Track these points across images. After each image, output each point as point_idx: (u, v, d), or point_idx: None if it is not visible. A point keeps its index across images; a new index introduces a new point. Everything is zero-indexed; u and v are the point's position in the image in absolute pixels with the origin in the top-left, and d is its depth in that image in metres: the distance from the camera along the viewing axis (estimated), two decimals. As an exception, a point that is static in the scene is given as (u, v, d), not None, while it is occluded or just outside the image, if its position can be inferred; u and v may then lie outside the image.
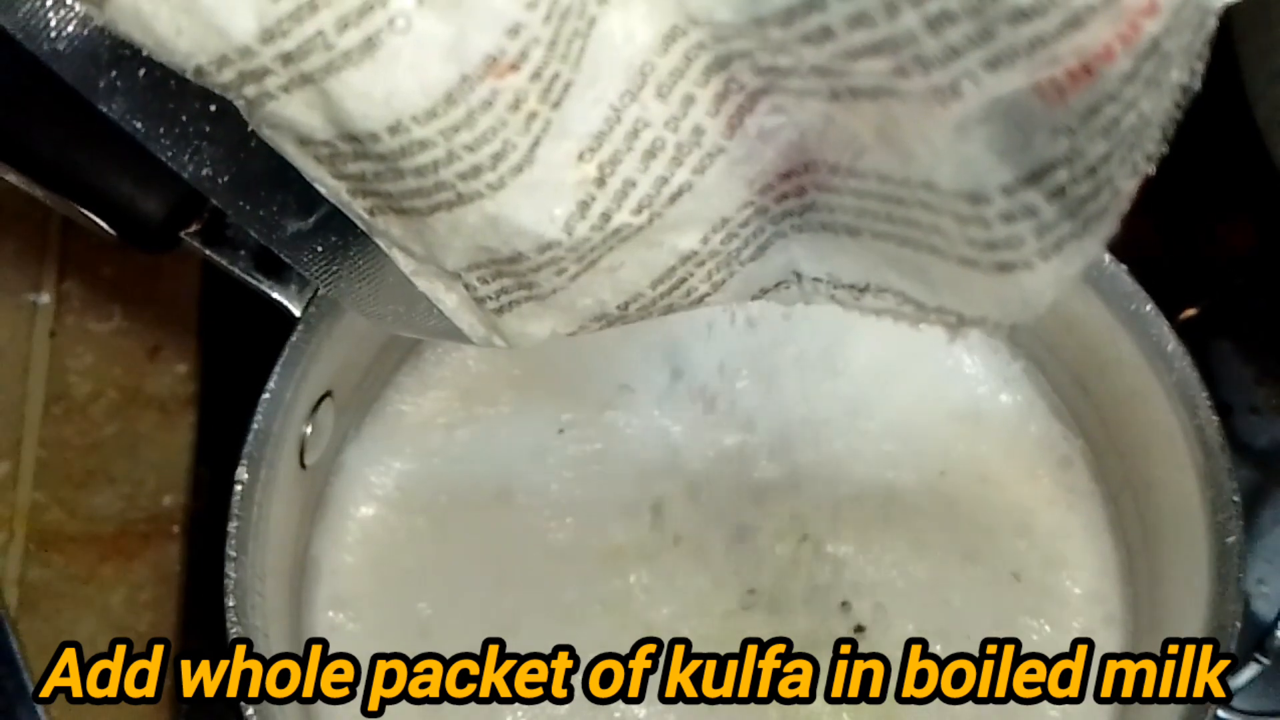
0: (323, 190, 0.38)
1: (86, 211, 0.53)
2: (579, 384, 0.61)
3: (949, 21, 0.31)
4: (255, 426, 0.52)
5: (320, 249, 0.41)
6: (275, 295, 0.54)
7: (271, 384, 0.52)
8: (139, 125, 0.37)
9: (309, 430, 0.55)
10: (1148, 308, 0.55)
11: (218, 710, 0.62)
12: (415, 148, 0.34)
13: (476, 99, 0.33)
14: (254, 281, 0.54)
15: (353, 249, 0.41)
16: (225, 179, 0.38)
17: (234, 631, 0.49)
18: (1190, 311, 0.66)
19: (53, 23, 0.35)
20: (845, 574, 0.59)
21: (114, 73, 0.36)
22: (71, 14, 0.35)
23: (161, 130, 0.37)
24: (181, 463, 0.68)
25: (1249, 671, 0.58)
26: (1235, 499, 0.53)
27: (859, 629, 0.57)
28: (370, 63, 0.32)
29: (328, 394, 0.56)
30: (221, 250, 0.54)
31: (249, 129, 0.36)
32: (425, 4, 0.32)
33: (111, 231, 0.53)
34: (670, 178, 0.37)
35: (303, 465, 0.55)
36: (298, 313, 0.54)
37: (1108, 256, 0.55)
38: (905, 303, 0.40)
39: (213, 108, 0.37)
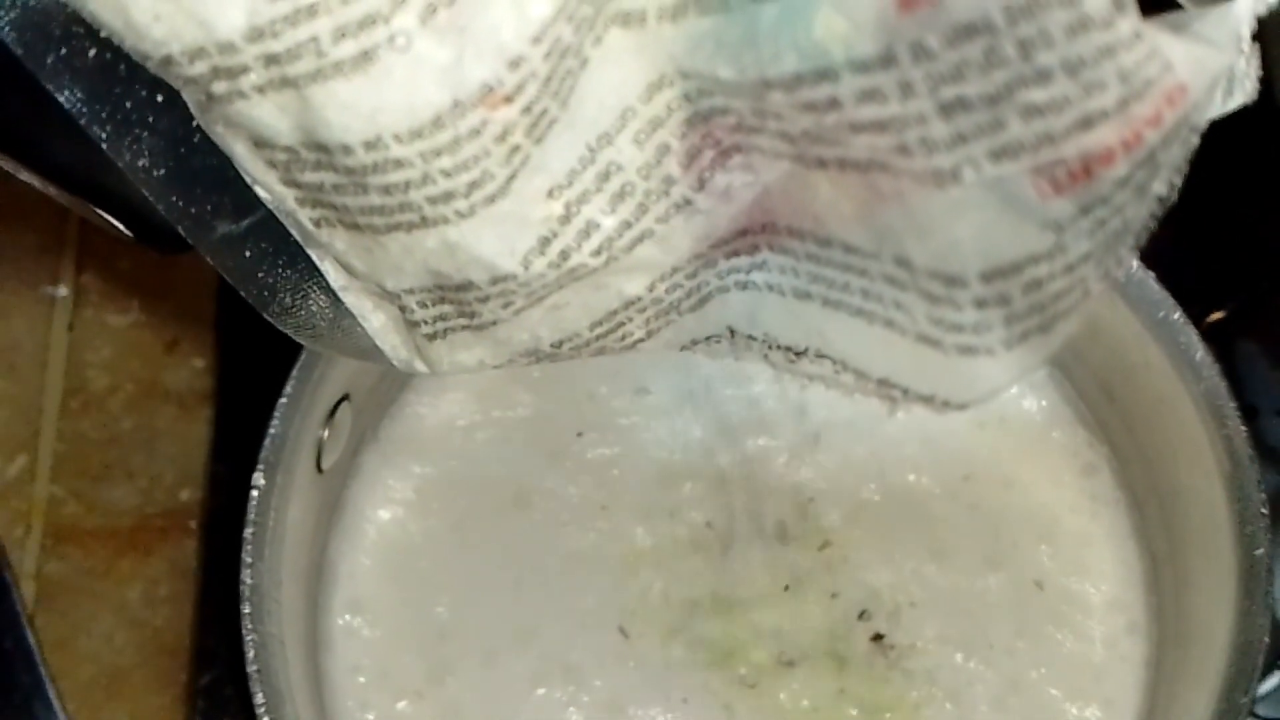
0: (264, 195, 0.37)
1: (102, 212, 0.52)
2: (597, 387, 0.61)
3: (963, 109, 0.31)
4: (272, 431, 0.52)
5: (248, 255, 0.39)
6: (290, 301, 0.54)
7: (288, 388, 0.52)
8: (80, 107, 0.35)
9: (326, 434, 0.55)
10: (1176, 315, 0.54)
11: (232, 708, 0.62)
12: (390, 166, 0.33)
13: (465, 126, 0.33)
14: None
15: (281, 258, 0.40)
16: (161, 172, 0.37)
17: (250, 638, 0.49)
18: (1217, 315, 0.65)
19: None
20: (866, 579, 0.58)
21: (64, 50, 0.34)
22: None
23: (104, 115, 0.35)
24: (199, 457, 0.68)
25: (1273, 679, 0.58)
26: (1264, 510, 0.52)
27: (878, 637, 0.57)
28: (361, 76, 0.32)
29: (345, 397, 0.55)
30: (236, 253, 0.53)
31: (194, 124, 0.35)
32: (428, 25, 0.31)
33: (128, 233, 0.53)
34: (634, 223, 0.37)
35: (319, 469, 0.55)
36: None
37: (1136, 263, 0.55)
38: (844, 371, 0.40)
39: (159, 98, 0.36)
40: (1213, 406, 0.53)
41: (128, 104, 0.36)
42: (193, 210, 0.38)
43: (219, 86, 0.33)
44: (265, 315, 0.42)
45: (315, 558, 0.57)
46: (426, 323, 0.40)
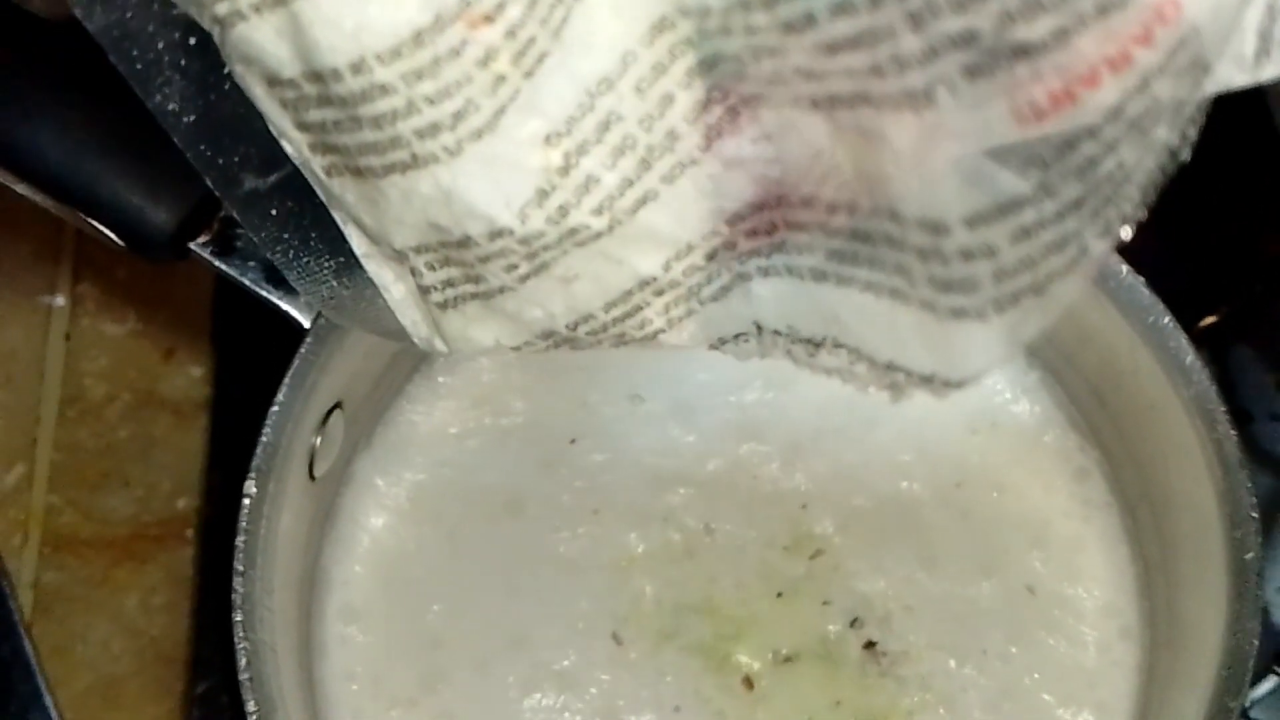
0: (286, 146, 0.37)
1: (94, 223, 0.53)
2: (590, 394, 0.61)
3: (931, 15, 0.29)
4: (264, 440, 0.52)
5: (274, 213, 0.40)
6: (285, 307, 0.54)
7: (280, 396, 0.52)
8: (114, 43, 0.36)
9: (318, 442, 0.55)
10: (1166, 320, 0.54)
11: (227, 716, 0.63)
12: (376, 92, 0.33)
13: (444, 44, 0.33)
14: (263, 293, 0.54)
15: (307, 218, 0.40)
16: (190, 118, 0.37)
17: (242, 646, 0.49)
18: (1210, 319, 0.65)
19: None
20: (858, 586, 0.58)
21: None
22: None
23: (135, 53, 0.36)
24: (196, 466, 0.68)
25: (1268, 684, 0.58)
26: (1254, 514, 0.52)
27: (870, 644, 0.57)
28: None
29: (337, 405, 0.56)
30: (231, 261, 0.54)
31: (224, 70, 0.36)
32: None
33: (120, 242, 0.53)
34: (636, 181, 0.36)
35: (312, 477, 0.55)
36: (307, 324, 0.53)
37: (1125, 267, 0.55)
38: (858, 360, 0.39)
39: (192, 40, 0.36)
40: (1203, 411, 0.53)
41: (160, 44, 0.36)
42: (220, 161, 0.39)
43: (221, 7, 0.33)
44: (291, 280, 0.42)
45: (308, 565, 0.57)
46: (436, 289, 0.39)
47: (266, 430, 0.52)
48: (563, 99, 0.34)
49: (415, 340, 0.42)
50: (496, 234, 0.36)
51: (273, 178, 0.39)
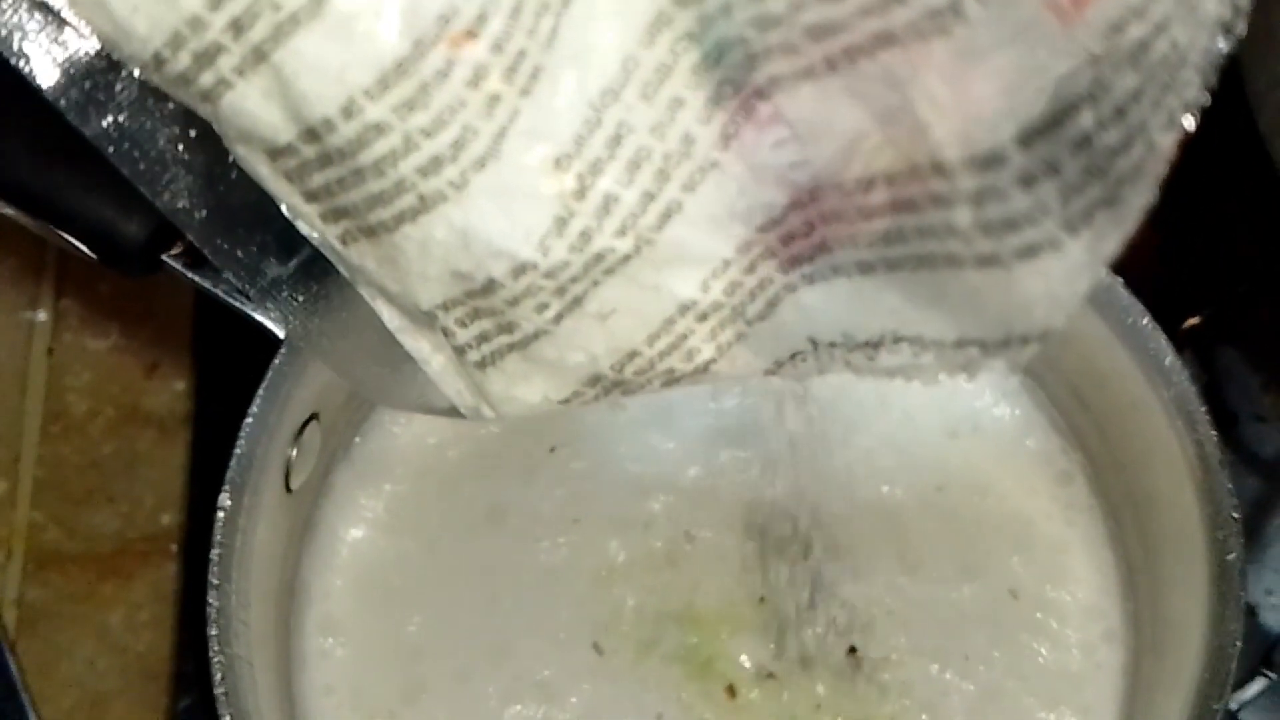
0: (301, 225, 0.36)
1: (66, 236, 0.52)
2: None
3: None
4: (238, 452, 0.52)
5: (301, 299, 0.39)
6: (259, 318, 0.53)
7: (254, 408, 0.52)
8: (114, 147, 0.35)
9: (294, 454, 0.54)
10: (1145, 321, 0.54)
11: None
12: (371, 134, 0.32)
13: (430, 68, 0.32)
14: (236, 304, 0.53)
15: (334, 299, 0.39)
16: (203, 213, 0.37)
17: (217, 660, 0.49)
18: (1193, 320, 0.65)
19: (28, 31, 0.34)
20: (840, 592, 0.58)
21: (88, 84, 0.35)
22: (45, 26, 0.34)
23: (136, 154, 0.36)
24: (179, 481, 0.68)
25: (1256, 685, 0.58)
26: (1235, 515, 0.52)
27: (852, 650, 0.57)
28: (319, 23, 0.31)
29: (314, 416, 0.55)
30: (204, 273, 0.53)
31: (229, 159, 0.35)
32: None
33: (92, 255, 0.53)
34: (658, 194, 0.34)
35: (289, 489, 0.55)
36: (282, 335, 0.53)
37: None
38: (923, 350, 0.37)
39: (192, 131, 0.36)
40: (1183, 412, 0.53)
41: (161, 141, 0.36)
42: (239, 253, 0.38)
43: (206, 79, 0.33)
44: (334, 371, 0.42)
45: (287, 578, 0.57)
46: (471, 346, 0.38)
47: (240, 443, 0.52)
48: (567, 116, 0.33)
49: (463, 411, 0.41)
50: (520, 271, 0.35)
51: (293, 262, 0.39)
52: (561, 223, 0.34)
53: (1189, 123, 0.31)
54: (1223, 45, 0.31)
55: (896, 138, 0.32)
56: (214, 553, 0.50)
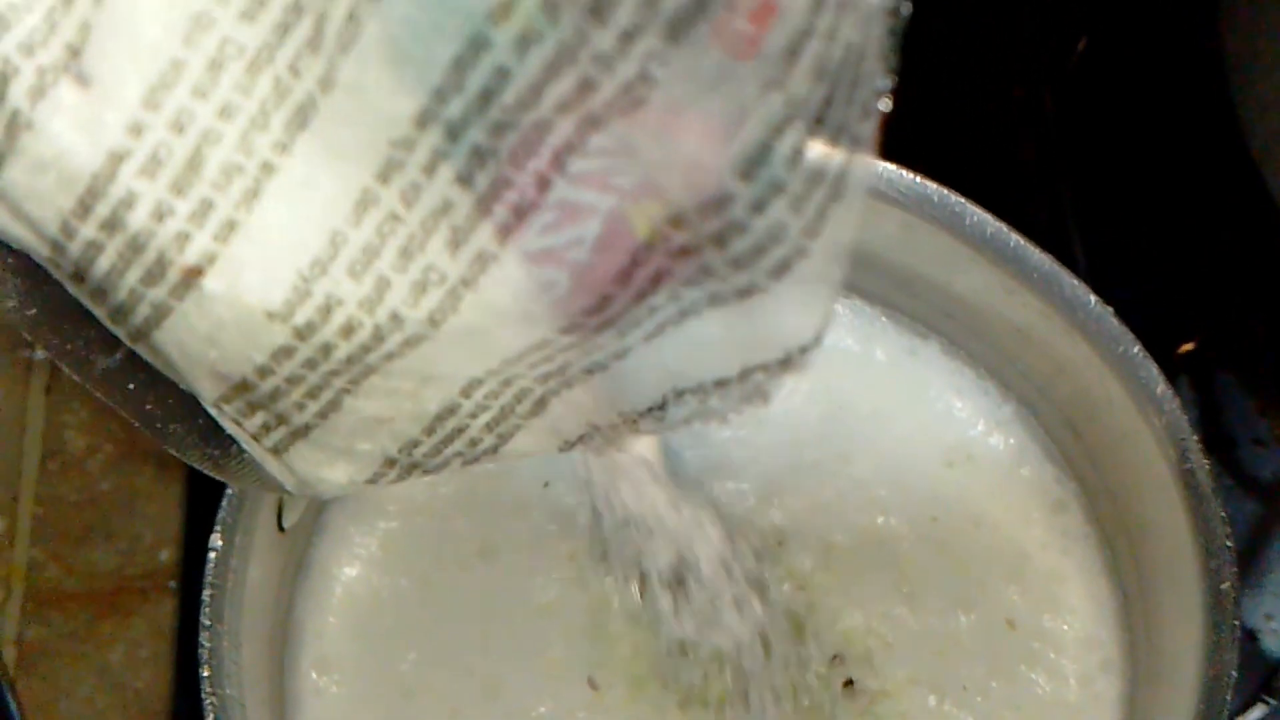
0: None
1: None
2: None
3: (613, 6, 0.29)
4: (229, 492, 0.52)
5: (132, 387, 0.39)
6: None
7: (245, 449, 0.52)
8: None
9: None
10: (1135, 349, 0.54)
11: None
12: (91, 251, 0.34)
13: (115, 196, 0.34)
14: None
15: (160, 386, 0.39)
16: (32, 311, 0.38)
17: (209, 701, 0.49)
18: (1189, 345, 0.65)
19: None
20: (837, 623, 0.58)
21: None
22: None
23: None
24: (178, 517, 0.68)
25: (1256, 712, 0.57)
26: (1229, 544, 0.52)
27: (849, 682, 0.57)
28: (18, 160, 0.33)
29: (306, 456, 0.55)
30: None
31: None
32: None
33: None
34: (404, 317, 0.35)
35: (281, 528, 0.55)
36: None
37: (1093, 297, 0.54)
38: (707, 394, 0.38)
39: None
40: (1175, 440, 0.53)
41: None
42: (69, 347, 0.38)
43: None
44: (171, 451, 0.42)
45: (281, 618, 0.57)
46: (260, 435, 0.39)
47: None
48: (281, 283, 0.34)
49: (289, 488, 0.42)
50: (265, 371, 0.36)
51: (119, 354, 0.39)
52: (298, 333, 0.35)
53: (884, 106, 0.33)
54: (894, 26, 0.32)
55: (647, 212, 0.33)
56: (206, 593, 0.50)
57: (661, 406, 0.39)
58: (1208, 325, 0.66)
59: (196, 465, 0.42)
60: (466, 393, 0.37)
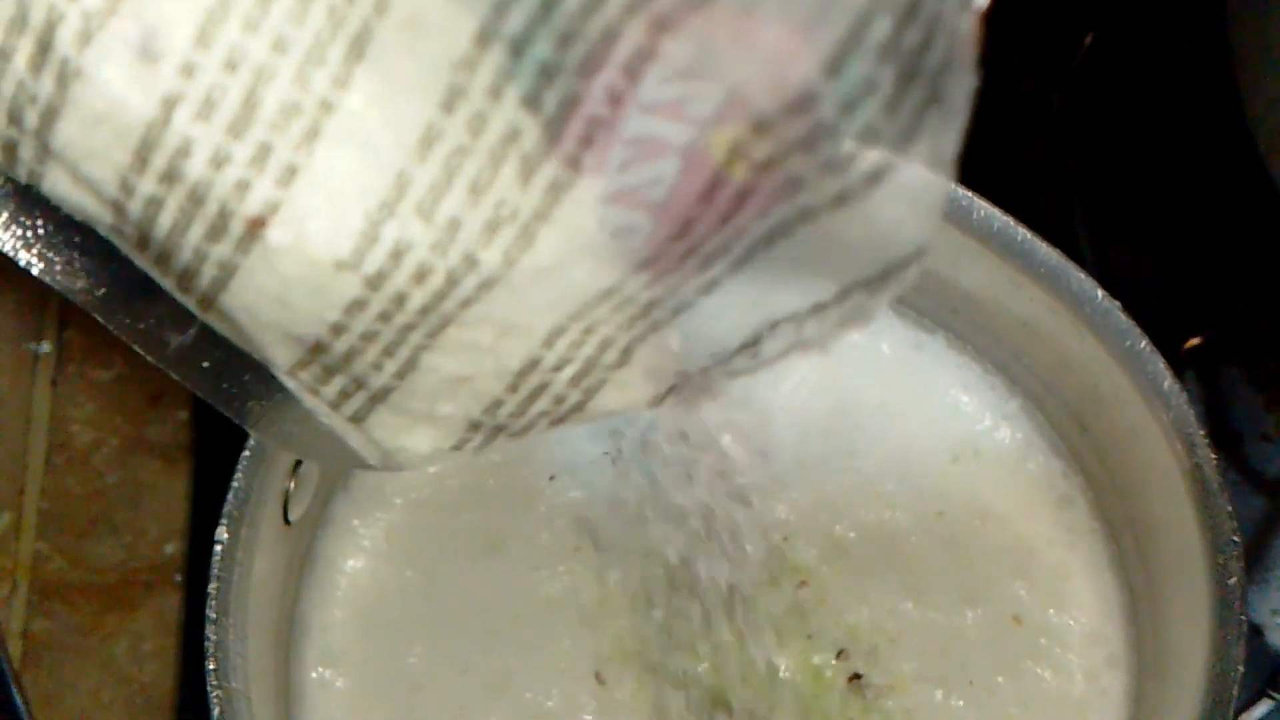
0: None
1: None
2: (569, 429, 0.60)
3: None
4: (235, 485, 0.52)
5: (207, 365, 0.39)
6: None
7: (251, 441, 0.52)
8: (4, 235, 0.36)
9: (292, 486, 0.54)
10: (1142, 344, 0.54)
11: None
12: (152, 208, 0.33)
13: (172, 143, 0.32)
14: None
15: (235, 363, 0.39)
16: (102, 291, 0.37)
17: (214, 695, 0.49)
18: (1195, 340, 0.65)
19: None
20: (843, 618, 0.58)
21: None
22: None
23: (29, 236, 0.36)
24: (183, 511, 0.68)
25: (1262, 708, 0.57)
26: (1235, 539, 0.52)
27: (855, 676, 0.56)
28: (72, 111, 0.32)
29: (312, 448, 0.55)
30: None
31: None
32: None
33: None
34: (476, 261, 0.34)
35: (287, 521, 0.55)
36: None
37: (1100, 292, 0.54)
38: (803, 322, 0.36)
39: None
40: (1182, 435, 0.53)
41: (50, 225, 0.36)
42: (141, 326, 0.38)
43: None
44: (253, 433, 0.41)
45: (286, 611, 0.57)
46: (338, 403, 0.38)
47: (238, 476, 0.52)
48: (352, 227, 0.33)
49: (371, 462, 0.40)
50: (338, 329, 0.35)
51: (191, 330, 0.38)
52: (369, 282, 0.34)
53: (981, 1, 0.30)
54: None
55: (726, 118, 0.31)
56: (211, 586, 0.50)
57: (754, 342, 0.37)
58: (1215, 320, 0.66)
59: (272, 443, 0.42)
60: (549, 343, 0.36)
